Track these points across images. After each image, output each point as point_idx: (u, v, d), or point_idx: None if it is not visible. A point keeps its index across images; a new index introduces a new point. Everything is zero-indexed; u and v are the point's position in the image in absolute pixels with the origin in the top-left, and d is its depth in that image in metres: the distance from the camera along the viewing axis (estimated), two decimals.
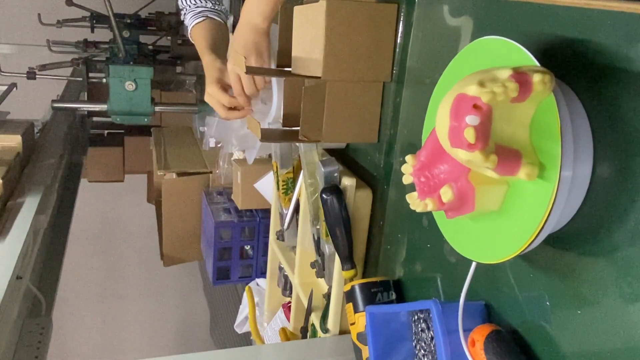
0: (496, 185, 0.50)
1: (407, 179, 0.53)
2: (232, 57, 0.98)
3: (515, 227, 0.49)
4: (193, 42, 1.22)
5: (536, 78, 0.43)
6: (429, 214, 0.73)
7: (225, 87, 1.03)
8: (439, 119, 0.46)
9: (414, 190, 0.53)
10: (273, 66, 1.00)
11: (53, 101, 2.06)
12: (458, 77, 0.48)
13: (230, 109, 1.02)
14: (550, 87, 0.44)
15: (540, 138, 0.47)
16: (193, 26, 1.22)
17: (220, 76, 1.04)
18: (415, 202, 0.53)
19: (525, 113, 0.46)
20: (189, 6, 1.24)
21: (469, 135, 0.43)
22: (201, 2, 1.24)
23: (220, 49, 1.14)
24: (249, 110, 1.01)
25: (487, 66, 0.48)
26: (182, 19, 1.29)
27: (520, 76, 0.43)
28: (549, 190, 0.45)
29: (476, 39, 0.54)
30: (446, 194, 0.50)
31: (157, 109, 2.04)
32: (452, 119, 0.44)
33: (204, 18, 1.22)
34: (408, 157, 0.53)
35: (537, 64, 0.47)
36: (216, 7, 1.25)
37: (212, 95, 1.03)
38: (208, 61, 1.08)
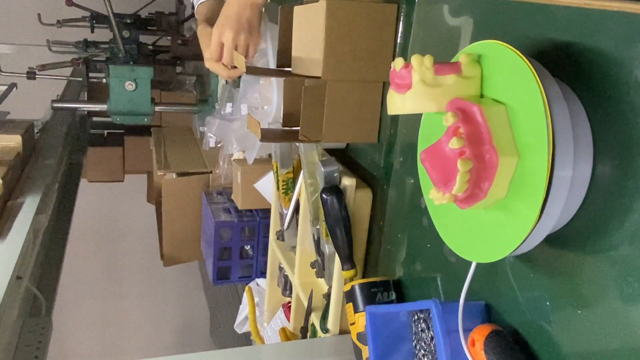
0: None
1: (448, 199, 0.51)
2: (219, 25, 1.00)
3: (512, 222, 0.49)
4: (196, 17, 1.30)
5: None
6: (429, 214, 0.72)
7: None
8: (392, 106, 0.53)
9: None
10: (265, 46, 1.01)
11: (53, 101, 2.06)
12: None
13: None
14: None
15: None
16: (198, 5, 1.29)
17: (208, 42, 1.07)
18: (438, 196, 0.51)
19: None
20: None
21: (397, 63, 0.52)
22: None
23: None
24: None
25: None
26: None
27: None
28: (543, 175, 0.45)
29: (476, 39, 0.54)
30: (452, 118, 0.48)
31: (157, 109, 2.04)
32: (391, 82, 0.52)
33: None
34: (432, 193, 0.51)
35: (533, 70, 0.47)
36: None
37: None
38: (200, 29, 1.12)
